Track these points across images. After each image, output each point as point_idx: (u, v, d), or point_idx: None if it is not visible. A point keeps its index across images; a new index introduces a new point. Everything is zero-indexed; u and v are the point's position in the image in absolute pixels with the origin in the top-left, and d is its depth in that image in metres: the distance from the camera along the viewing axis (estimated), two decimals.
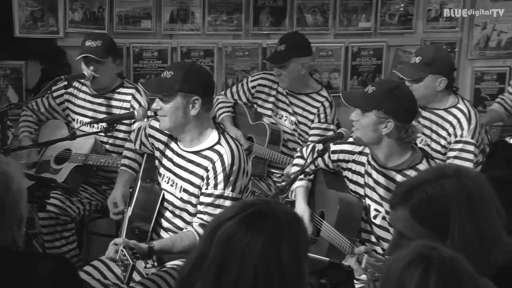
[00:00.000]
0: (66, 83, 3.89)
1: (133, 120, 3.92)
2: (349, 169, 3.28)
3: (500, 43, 5.29)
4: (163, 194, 3.24)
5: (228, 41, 4.99)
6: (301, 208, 3.39)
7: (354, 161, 3.26)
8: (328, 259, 2.64)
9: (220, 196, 3.07)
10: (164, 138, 3.29)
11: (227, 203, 3.06)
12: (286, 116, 4.45)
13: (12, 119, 4.06)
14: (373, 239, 3.17)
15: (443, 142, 3.90)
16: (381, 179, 3.11)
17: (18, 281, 1.87)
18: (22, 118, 4.30)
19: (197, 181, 3.13)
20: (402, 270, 1.62)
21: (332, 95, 4.49)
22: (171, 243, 3.06)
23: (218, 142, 3.14)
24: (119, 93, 4.15)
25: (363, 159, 3.22)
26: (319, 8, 5.04)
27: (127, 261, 2.82)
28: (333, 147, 3.31)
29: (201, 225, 3.06)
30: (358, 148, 3.24)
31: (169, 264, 3.15)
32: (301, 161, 3.52)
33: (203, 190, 3.11)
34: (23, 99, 4.70)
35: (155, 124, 3.32)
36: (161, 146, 3.30)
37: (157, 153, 3.32)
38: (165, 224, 3.24)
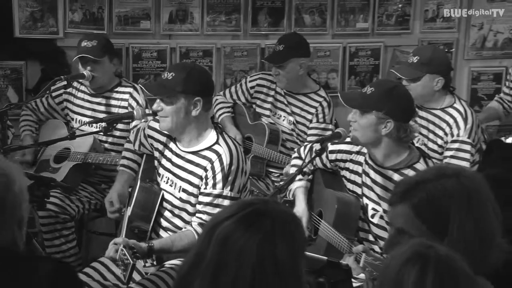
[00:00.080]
0: (65, 83, 3.90)
1: (131, 120, 3.91)
2: (347, 169, 3.29)
3: (496, 44, 5.30)
4: (163, 194, 3.24)
5: (227, 42, 5.00)
6: (301, 209, 3.40)
7: (351, 161, 3.27)
8: (326, 258, 2.65)
9: (219, 196, 3.07)
10: (163, 139, 3.30)
11: (226, 202, 3.07)
12: (284, 116, 4.45)
13: (12, 119, 4.07)
14: (371, 238, 3.18)
15: (440, 141, 3.90)
16: (378, 179, 3.12)
17: (18, 282, 1.87)
18: (23, 118, 4.31)
19: (196, 181, 3.14)
20: (400, 268, 1.62)
21: (330, 95, 4.49)
22: (170, 242, 3.07)
23: (217, 142, 3.14)
24: (117, 92, 4.16)
25: (361, 158, 3.22)
26: (317, 9, 5.04)
27: (127, 261, 2.83)
28: (330, 147, 3.32)
29: (200, 224, 3.07)
30: (356, 148, 3.24)
31: (167, 263, 3.15)
32: (298, 162, 3.51)
33: (202, 190, 3.11)
34: (23, 99, 4.71)
35: (154, 124, 3.32)
36: (160, 147, 3.31)
37: (156, 154, 3.32)
38: (164, 223, 3.24)
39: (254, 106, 4.56)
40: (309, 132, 4.38)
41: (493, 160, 2.84)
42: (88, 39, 4.06)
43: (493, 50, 5.31)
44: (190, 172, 3.16)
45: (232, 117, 4.56)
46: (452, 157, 3.83)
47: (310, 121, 4.38)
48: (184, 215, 3.20)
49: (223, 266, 1.70)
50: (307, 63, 4.42)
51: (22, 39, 4.71)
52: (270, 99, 4.49)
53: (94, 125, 3.95)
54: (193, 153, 3.17)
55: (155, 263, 3.17)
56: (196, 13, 4.91)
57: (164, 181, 3.26)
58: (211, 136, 3.17)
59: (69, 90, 4.18)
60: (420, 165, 3.04)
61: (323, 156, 3.34)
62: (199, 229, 3.04)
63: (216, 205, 3.07)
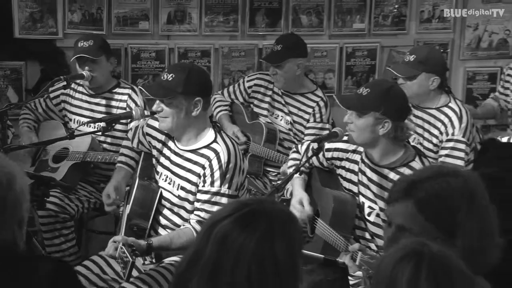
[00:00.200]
0: (65, 83, 3.91)
1: (130, 120, 3.93)
2: (343, 167, 3.30)
3: (491, 44, 5.31)
4: (161, 192, 3.25)
5: (225, 42, 5.01)
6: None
7: (348, 159, 3.28)
8: (323, 256, 2.68)
9: (217, 193, 3.08)
10: (161, 137, 3.31)
11: (224, 200, 3.08)
12: (281, 116, 4.46)
13: (12, 118, 4.08)
14: (367, 236, 3.19)
15: (435, 140, 3.92)
16: (374, 177, 3.12)
17: (18, 282, 1.87)
18: (22, 116, 4.32)
19: (194, 178, 3.14)
20: (394, 265, 1.63)
21: (327, 95, 4.50)
22: (169, 239, 3.07)
23: (215, 141, 3.15)
24: (116, 93, 4.17)
25: (357, 157, 3.23)
26: (314, 10, 5.05)
27: (127, 258, 2.84)
28: (327, 145, 3.32)
29: (198, 222, 3.07)
30: (352, 147, 3.25)
31: (167, 260, 3.16)
32: (297, 156, 3.53)
33: (200, 188, 3.12)
34: (23, 99, 4.72)
35: (153, 123, 3.33)
36: (159, 145, 3.31)
37: (154, 152, 3.33)
38: (163, 221, 3.25)
39: (251, 105, 4.57)
40: (306, 131, 4.38)
41: (488, 159, 2.85)
42: (84, 39, 4.07)
43: (488, 51, 5.33)
44: (189, 170, 3.17)
45: (230, 116, 4.57)
46: (447, 156, 3.84)
47: (307, 120, 4.39)
48: (182, 212, 3.20)
49: (221, 265, 1.71)
50: (305, 63, 4.44)
51: (21, 40, 4.72)
52: (267, 98, 4.50)
53: (92, 125, 3.98)
54: (192, 151, 3.18)
55: (154, 260, 3.18)
56: (194, 13, 4.92)
57: (163, 179, 3.27)
58: (209, 134, 3.18)
59: (66, 91, 4.19)
60: (416, 164, 3.05)
61: (320, 154, 3.33)
62: (198, 227, 3.05)
63: (214, 203, 3.07)
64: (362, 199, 3.20)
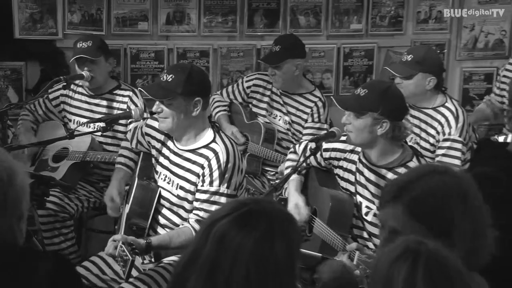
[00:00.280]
0: (65, 83, 3.92)
1: (129, 120, 3.95)
2: (341, 167, 3.30)
3: (487, 44, 5.32)
4: (160, 192, 3.26)
5: (223, 42, 5.01)
6: (295, 197, 3.40)
7: (345, 159, 3.28)
8: (320, 255, 2.71)
9: (216, 193, 3.09)
10: (160, 137, 3.31)
11: (223, 199, 3.08)
12: (280, 116, 4.47)
13: (12, 118, 4.09)
14: (365, 235, 3.19)
15: (432, 140, 3.93)
16: (372, 177, 3.13)
17: (18, 280, 1.85)
18: (21, 117, 4.32)
19: (193, 178, 3.15)
20: (390, 264, 1.63)
21: (325, 95, 4.51)
22: (168, 238, 3.08)
23: (214, 140, 3.16)
24: (116, 94, 4.17)
25: (354, 157, 3.24)
26: (311, 10, 5.06)
27: (126, 257, 2.85)
28: (325, 145, 3.33)
29: (197, 221, 3.08)
30: (350, 147, 3.25)
31: (165, 260, 3.17)
32: (294, 157, 3.54)
33: (199, 187, 3.13)
34: (23, 99, 4.72)
35: (152, 123, 3.34)
36: (158, 145, 3.32)
37: (153, 152, 3.34)
38: (162, 220, 3.26)
39: (250, 105, 4.58)
40: (304, 131, 4.39)
41: (483, 158, 2.86)
42: (83, 40, 4.08)
43: (484, 51, 5.34)
44: (188, 170, 3.18)
45: (228, 116, 4.57)
46: (444, 155, 3.86)
47: (306, 120, 4.40)
48: (181, 212, 3.21)
49: (219, 264, 1.72)
50: (303, 64, 4.45)
51: (22, 40, 4.73)
52: (266, 99, 4.52)
53: (92, 125, 3.99)
54: (191, 151, 3.19)
55: (153, 259, 3.18)
56: (193, 14, 4.92)
57: (162, 179, 3.28)
58: (208, 134, 3.19)
59: (66, 92, 4.20)
60: (413, 164, 3.05)
61: (318, 154, 3.35)
62: (197, 226, 3.06)
63: (213, 202, 3.09)
64: (359, 198, 3.20)
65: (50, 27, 4.76)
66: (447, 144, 3.87)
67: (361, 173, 3.19)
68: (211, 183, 3.11)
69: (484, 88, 5.34)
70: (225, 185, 3.10)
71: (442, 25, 5.27)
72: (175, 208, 3.23)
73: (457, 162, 3.81)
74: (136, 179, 3.35)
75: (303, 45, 4.44)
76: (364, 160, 3.18)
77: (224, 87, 4.81)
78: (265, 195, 3.31)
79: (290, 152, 3.62)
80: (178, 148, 3.24)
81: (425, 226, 1.89)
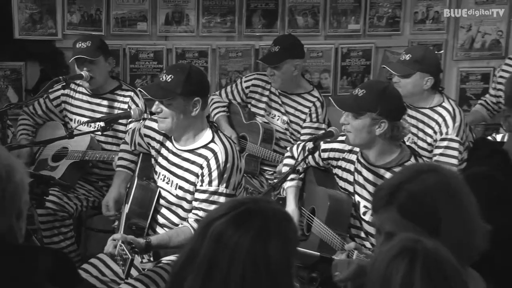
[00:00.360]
0: (64, 83, 3.93)
1: (129, 120, 3.96)
2: (339, 167, 3.31)
3: (484, 45, 5.33)
4: (159, 191, 3.27)
5: (222, 43, 5.01)
6: (291, 210, 3.41)
7: (344, 159, 3.29)
8: (319, 253, 2.72)
9: (215, 193, 3.10)
10: (159, 137, 3.32)
11: (222, 199, 3.09)
12: (278, 116, 4.49)
13: (12, 118, 4.10)
14: (363, 234, 3.20)
15: (429, 140, 3.95)
16: (370, 177, 3.14)
17: (17, 275, 1.84)
18: (20, 122, 4.33)
19: (192, 178, 3.16)
20: (388, 263, 1.63)
21: (323, 95, 4.53)
22: (167, 238, 3.09)
23: (212, 140, 3.17)
24: (117, 94, 4.18)
25: (353, 157, 3.25)
26: (309, 11, 5.06)
27: (126, 256, 2.86)
28: (323, 145, 3.33)
29: (196, 220, 3.08)
30: (348, 147, 3.26)
31: (164, 259, 3.18)
32: (291, 161, 3.53)
33: (198, 187, 3.13)
34: (23, 99, 4.71)
35: (150, 124, 3.35)
36: (157, 145, 3.33)
37: (153, 152, 3.35)
38: (161, 220, 3.27)
39: (249, 105, 4.59)
40: (303, 131, 4.41)
41: (480, 158, 2.87)
42: (83, 40, 4.09)
43: (481, 51, 5.35)
44: (186, 170, 3.18)
45: (227, 116, 4.58)
46: (441, 155, 3.88)
47: (304, 120, 4.42)
48: (180, 211, 3.22)
49: (217, 263, 1.72)
50: (302, 64, 4.46)
51: (21, 40, 4.73)
52: (264, 99, 4.53)
53: (92, 124, 3.99)
54: (189, 151, 3.20)
55: (152, 259, 3.20)
56: (192, 15, 4.92)
57: (161, 179, 3.28)
58: (206, 134, 3.20)
59: (66, 91, 4.20)
60: (411, 164, 3.04)
61: (316, 154, 3.36)
62: (196, 225, 3.06)
63: (212, 202, 3.09)
64: (357, 198, 3.21)
65: (49, 27, 4.76)
66: (445, 143, 3.89)
67: (360, 173, 3.20)
68: (210, 183, 3.11)
69: (481, 88, 5.35)
70: (224, 184, 3.11)
71: (439, 25, 5.28)
72: (174, 208, 3.24)
73: (455, 161, 3.83)
74: (136, 179, 3.35)
75: (302, 46, 4.46)
76: (362, 160, 3.19)
77: (222, 87, 4.82)
78: (263, 194, 3.29)
79: (287, 157, 3.61)
80: (177, 148, 3.25)
81: (417, 227, 1.89)
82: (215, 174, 3.11)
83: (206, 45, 5.01)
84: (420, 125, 3.98)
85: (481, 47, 5.36)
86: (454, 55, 5.36)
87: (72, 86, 4.21)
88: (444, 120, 3.91)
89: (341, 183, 3.31)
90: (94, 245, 4.31)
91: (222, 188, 3.11)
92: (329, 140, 3.32)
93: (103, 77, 4.15)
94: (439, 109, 3.95)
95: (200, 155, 3.16)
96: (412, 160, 3.10)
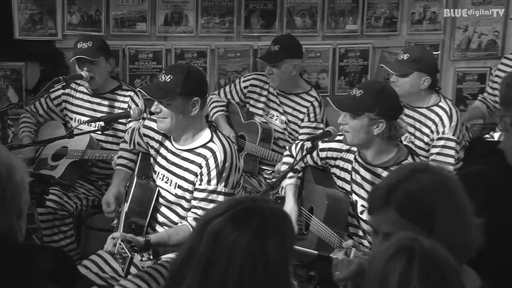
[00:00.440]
0: (64, 83, 3.94)
1: (128, 120, 3.97)
2: (337, 166, 3.32)
3: (480, 45, 5.35)
4: (158, 190, 3.28)
5: (221, 43, 5.02)
6: (290, 207, 3.42)
7: (341, 159, 3.30)
8: (316, 252, 2.73)
9: (213, 192, 3.12)
10: (158, 137, 3.33)
11: (220, 198, 3.11)
12: (276, 116, 4.49)
13: (12, 118, 4.11)
14: (360, 233, 3.22)
15: (426, 139, 3.96)
16: (368, 176, 3.15)
17: (17, 274, 1.83)
18: (22, 120, 4.34)
19: (191, 177, 3.18)
20: (386, 262, 1.63)
21: (321, 95, 4.53)
22: (167, 236, 3.11)
23: (211, 140, 3.18)
24: (118, 94, 4.19)
25: (350, 156, 3.26)
26: (307, 11, 5.07)
27: (125, 254, 2.88)
28: (321, 145, 3.34)
29: (195, 219, 3.10)
30: (346, 146, 3.27)
31: (163, 257, 3.19)
32: (290, 160, 3.54)
33: (197, 186, 3.15)
34: (23, 99, 4.71)
35: (150, 123, 3.36)
36: (156, 145, 3.34)
37: (152, 151, 3.36)
38: (160, 219, 3.28)
39: (247, 105, 4.60)
40: (301, 131, 4.42)
41: (476, 157, 2.88)
42: (84, 40, 4.09)
43: (477, 51, 5.37)
44: (185, 169, 3.20)
45: (226, 116, 4.59)
46: (438, 154, 3.89)
47: (302, 120, 4.43)
48: (179, 210, 3.24)
49: (215, 261, 1.72)
50: (300, 64, 4.48)
51: (21, 41, 4.73)
52: (263, 98, 4.54)
53: (92, 124, 3.98)
54: (188, 150, 3.21)
55: (151, 257, 3.21)
56: (191, 15, 4.93)
57: (160, 178, 3.30)
58: (205, 134, 3.21)
59: (67, 91, 4.21)
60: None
61: (314, 154, 3.37)
62: (194, 224, 3.02)
63: (211, 201, 3.11)
64: (355, 197, 3.23)
65: (49, 28, 4.76)
66: (441, 143, 3.90)
67: (357, 172, 3.21)
68: (208, 182, 3.13)
69: (477, 88, 5.37)
70: (223, 184, 3.12)
71: (436, 26, 5.30)
72: (173, 207, 3.26)
73: (451, 160, 3.84)
74: (135, 178, 3.37)
75: (301, 46, 4.47)
76: (359, 159, 3.20)
77: (221, 87, 4.83)
78: (261, 193, 3.29)
79: (286, 155, 3.63)
80: (176, 148, 3.26)
81: (416, 226, 1.89)
82: (213, 173, 3.12)
83: (205, 45, 5.01)
84: (417, 125, 4.00)
85: (477, 48, 5.37)
86: (451, 56, 5.37)
87: (73, 85, 4.22)
88: (441, 119, 3.92)
89: (339, 182, 3.32)
90: (94, 243, 4.31)
91: (220, 187, 3.12)
92: (327, 139, 3.33)
93: (103, 78, 4.16)
94: (436, 108, 3.96)
95: (199, 154, 3.18)
96: (409, 159, 3.11)
